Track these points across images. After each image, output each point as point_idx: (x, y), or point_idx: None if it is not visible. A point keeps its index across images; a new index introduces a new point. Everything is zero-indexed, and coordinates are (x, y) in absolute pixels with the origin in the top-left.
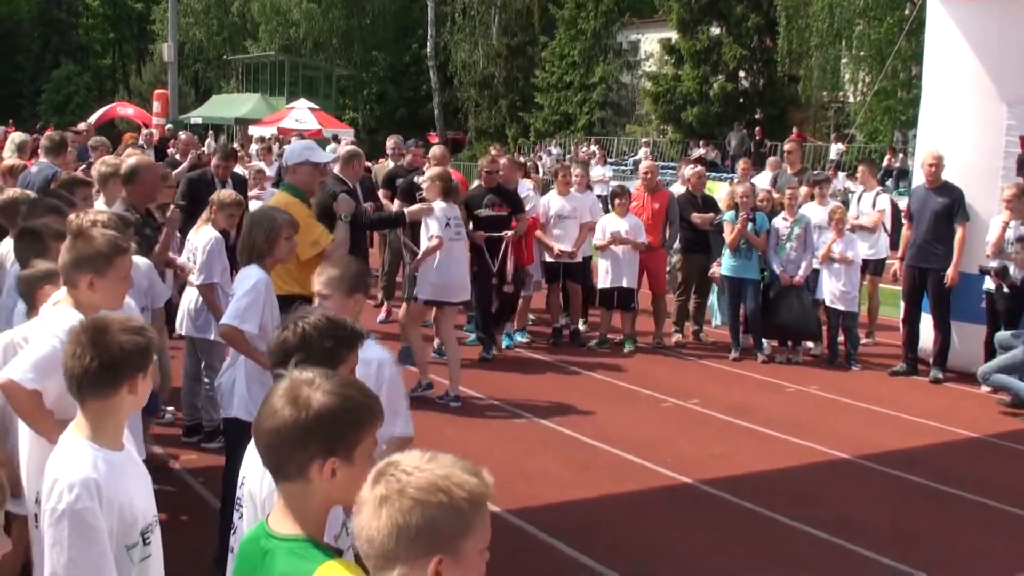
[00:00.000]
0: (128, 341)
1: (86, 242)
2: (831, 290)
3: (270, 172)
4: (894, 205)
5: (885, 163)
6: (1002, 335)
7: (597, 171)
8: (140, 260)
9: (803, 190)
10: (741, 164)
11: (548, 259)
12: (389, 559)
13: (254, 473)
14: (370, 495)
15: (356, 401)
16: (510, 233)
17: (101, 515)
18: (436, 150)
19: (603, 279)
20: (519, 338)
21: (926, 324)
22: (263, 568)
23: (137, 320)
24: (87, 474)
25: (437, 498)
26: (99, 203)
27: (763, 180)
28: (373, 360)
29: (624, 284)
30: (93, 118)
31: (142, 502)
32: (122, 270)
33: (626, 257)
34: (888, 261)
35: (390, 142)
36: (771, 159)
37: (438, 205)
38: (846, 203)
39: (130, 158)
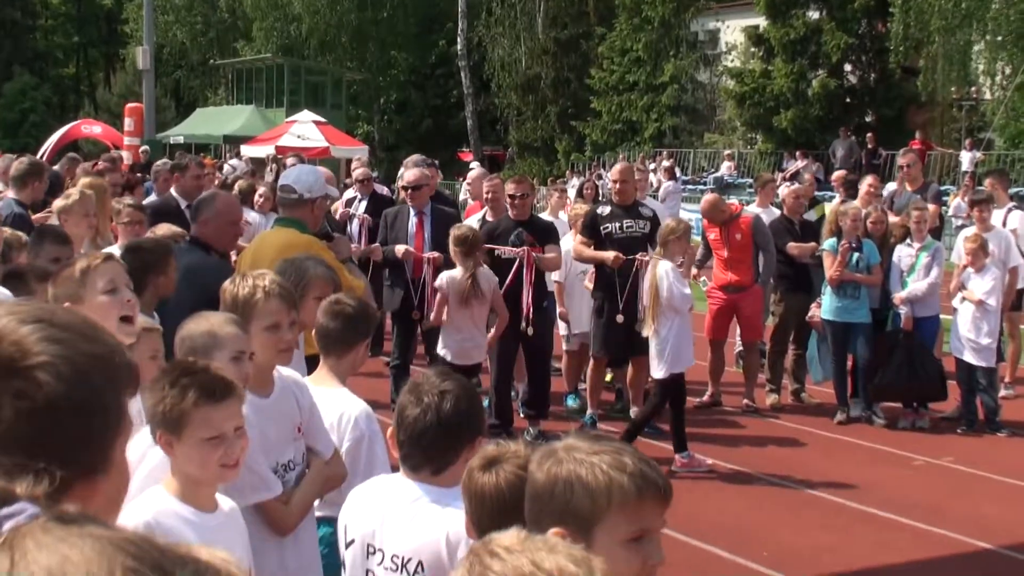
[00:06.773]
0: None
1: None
2: (963, 338)
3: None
4: None
5: None
6: None
7: (666, 187)
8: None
9: (931, 208)
10: (868, 180)
11: None
12: None
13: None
14: None
15: None
16: (522, 253)
17: None
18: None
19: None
20: (571, 403)
21: None
22: None
23: None
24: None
25: None
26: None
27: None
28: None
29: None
30: (52, 139)
31: None
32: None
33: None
34: None
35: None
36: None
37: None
38: None
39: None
